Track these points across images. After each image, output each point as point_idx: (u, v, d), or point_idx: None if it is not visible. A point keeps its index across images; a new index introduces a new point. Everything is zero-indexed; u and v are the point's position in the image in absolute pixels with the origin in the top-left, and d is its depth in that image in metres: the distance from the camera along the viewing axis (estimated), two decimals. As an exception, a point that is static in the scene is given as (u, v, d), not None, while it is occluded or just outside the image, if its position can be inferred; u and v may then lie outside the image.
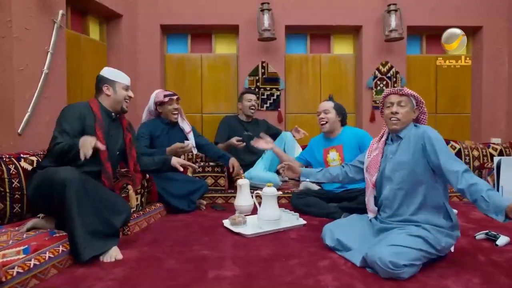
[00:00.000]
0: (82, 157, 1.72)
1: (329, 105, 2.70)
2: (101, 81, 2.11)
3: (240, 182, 2.65)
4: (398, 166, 1.76)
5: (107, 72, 2.14)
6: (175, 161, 2.40)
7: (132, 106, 3.20)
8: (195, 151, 3.04)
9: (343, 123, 2.74)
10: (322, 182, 2.23)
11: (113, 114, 2.13)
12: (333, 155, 2.69)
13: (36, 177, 1.86)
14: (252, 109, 3.53)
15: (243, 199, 2.63)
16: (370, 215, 1.91)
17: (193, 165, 2.55)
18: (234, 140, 3.24)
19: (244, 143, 3.26)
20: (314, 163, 2.81)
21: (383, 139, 1.91)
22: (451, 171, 1.59)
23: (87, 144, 1.74)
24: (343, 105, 2.77)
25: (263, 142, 2.73)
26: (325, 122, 2.66)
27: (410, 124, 1.82)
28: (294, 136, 3.36)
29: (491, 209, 1.46)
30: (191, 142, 2.85)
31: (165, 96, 2.93)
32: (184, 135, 3.03)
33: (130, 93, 2.16)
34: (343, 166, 2.12)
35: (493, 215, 1.46)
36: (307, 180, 2.09)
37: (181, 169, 2.40)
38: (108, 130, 2.07)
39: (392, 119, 1.80)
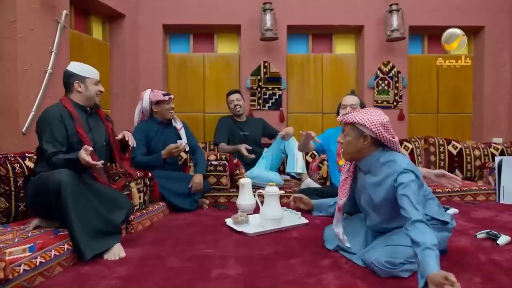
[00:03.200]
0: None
1: (356, 100, 2.72)
2: (71, 77, 2.02)
3: (242, 181, 2.67)
4: (373, 203, 1.70)
5: (76, 67, 2.05)
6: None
7: (133, 105, 3.22)
8: (187, 148, 2.97)
9: None
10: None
11: (88, 108, 2.08)
12: None
13: (31, 185, 1.86)
14: (237, 109, 3.51)
15: (245, 198, 2.64)
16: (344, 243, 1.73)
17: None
18: (243, 148, 3.25)
19: (254, 156, 3.29)
20: (328, 153, 2.86)
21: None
22: (407, 217, 1.43)
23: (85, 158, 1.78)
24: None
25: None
26: None
27: (373, 153, 1.63)
28: (283, 139, 3.23)
29: (419, 269, 1.31)
30: (184, 141, 2.83)
31: (163, 95, 2.91)
32: (178, 133, 3.00)
33: (101, 88, 2.10)
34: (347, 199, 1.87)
35: (418, 276, 1.30)
36: (320, 214, 1.98)
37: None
38: (87, 125, 2.03)
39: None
